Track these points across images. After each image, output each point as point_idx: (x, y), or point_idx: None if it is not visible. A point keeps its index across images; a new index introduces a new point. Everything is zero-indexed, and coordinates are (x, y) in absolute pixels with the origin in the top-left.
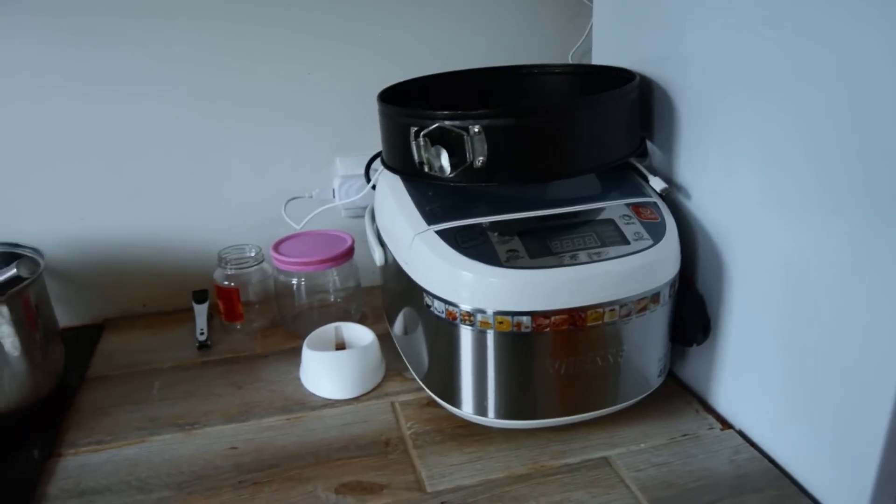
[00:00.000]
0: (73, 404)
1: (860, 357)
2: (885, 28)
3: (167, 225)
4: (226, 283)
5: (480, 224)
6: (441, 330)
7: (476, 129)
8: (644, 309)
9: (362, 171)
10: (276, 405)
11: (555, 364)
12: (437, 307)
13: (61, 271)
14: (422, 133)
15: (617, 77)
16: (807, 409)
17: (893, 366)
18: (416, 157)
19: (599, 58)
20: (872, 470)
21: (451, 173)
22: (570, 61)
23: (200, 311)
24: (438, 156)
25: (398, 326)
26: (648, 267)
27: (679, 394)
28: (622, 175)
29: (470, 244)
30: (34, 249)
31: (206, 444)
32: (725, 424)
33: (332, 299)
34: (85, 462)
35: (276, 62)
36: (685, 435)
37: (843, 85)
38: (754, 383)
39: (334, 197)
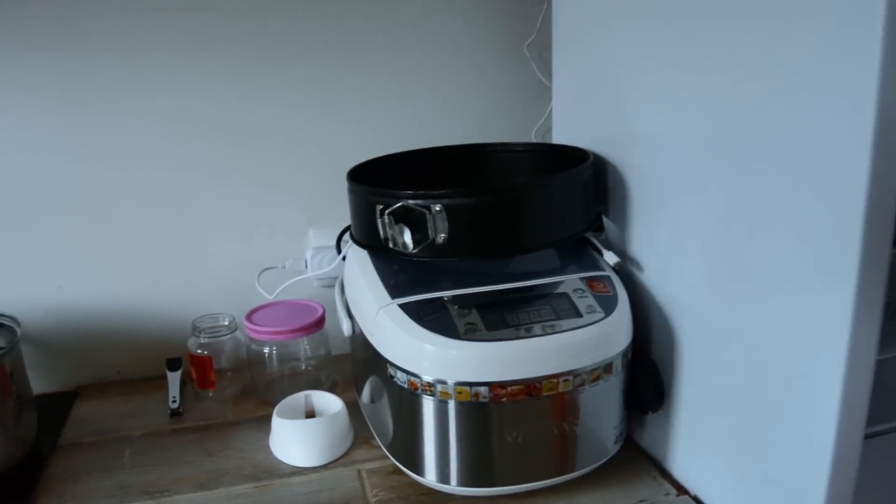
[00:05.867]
0: (45, 472)
1: (802, 423)
2: (827, 104)
3: (143, 293)
4: (199, 351)
5: (441, 298)
6: (404, 400)
7: (437, 208)
8: (597, 379)
9: (334, 243)
10: (245, 472)
11: (513, 433)
12: (400, 378)
13: (38, 338)
14: (386, 211)
15: (573, 156)
16: (754, 475)
17: (831, 433)
18: (381, 233)
19: (559, 136)
20: None
21: (414, 249)
22: (534, 139)
23: (173, 378)
24: (402, 233)
25: (365, 395)
26: (600, 338)
27: (638, 460)
28: (578, 249)
29: (430, 317)
30: (11, 318)
31: None
32: (681, 490)
33: (304, 367)
34: None
35: (253, 136)
36: (642, 501)
37: (782, 161)
38: (707, 449)
39: (307, 268)
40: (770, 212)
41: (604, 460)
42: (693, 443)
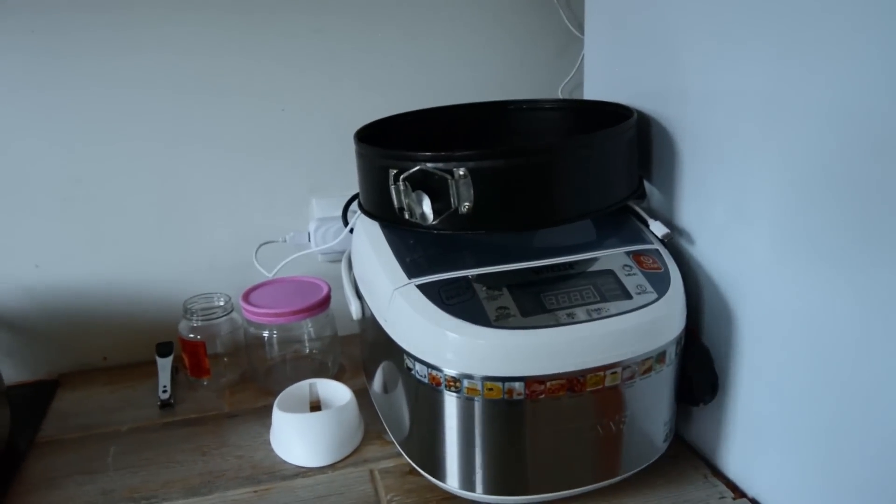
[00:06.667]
0: (19, 474)
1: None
2: None
3: (131, 272)
4: (191, 335)
5: (466, 277)
6: (423, 395)
7: (461, 172)
8: (649, 370)
9: (340, 214)
10: (243, 474)
11: (551, 434)
12: (419, 370)
13: (13, 323)
14: (402, 176)
15: (612, 113)
16: (831, 477)
17: None
18: (395, 202)
19: (591, 92)
20: None
21: (434, 221)
22: (560, 96)
23: (164, 365)
24: (420, 202)
25: (377, 383)
26: (653, 324)
27: (685, 457)
28: (619, 220)
29: (455, 300)
30: None
31: None
32: (737, 492)
33: (308, 351)
34: None
35: (249, 97)
36: None
37: (870, 120)
38: (768, 446)
39: (310, 241)
40: (856, 177)
41: (652, 461)
42: (751, 439)
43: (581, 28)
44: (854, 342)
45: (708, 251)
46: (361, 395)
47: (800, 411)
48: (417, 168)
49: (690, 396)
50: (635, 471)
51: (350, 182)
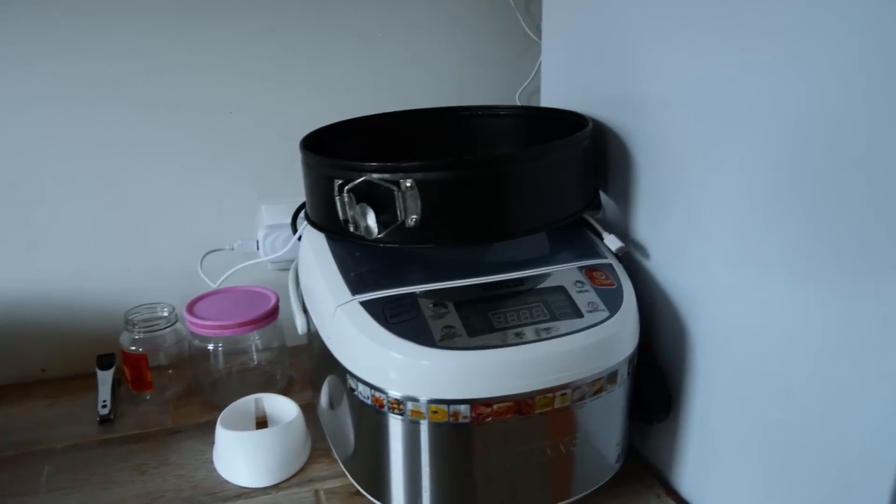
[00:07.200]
0: None
1: (851, 439)
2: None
3: (71, 280)
4: (133, 348)
5: (413, 293)
6: (366, 417)
7: (408, 184)
8: (600, 391)
9: (289, 221)
10: (182, 496)
11: (498, 457)
12: (362, 391)
13: None
14: (346, 188)
15: (568, 121)
16: (784, 497)
17: (892, 451)
18: (340, 213)
19: (548, 99)
20: None
21: (379, 234)
22: (518, 102)
23: (104, 378)
24: (364, 214)
25: (323, 400)
26: (605, 343)
27: (639, 475)
28: (573, 232)
29: (399, 318)
30: None
31: None
32: None
33: (255, 363)
34: None
35: (195, 101)
36: None
37: (834, 129)
38: (724, 465)
39: (258, 249)
40: (816, 190)
41: (604, 482)
42: (706, 458)
43: (540, 32)
44: (810, 358)
45: (663, 265)
46: (310, 409)
47: (754, 429)
48: (362, 179)
49: (644, 415)
50: (587, 492)
51: (301, 188)
